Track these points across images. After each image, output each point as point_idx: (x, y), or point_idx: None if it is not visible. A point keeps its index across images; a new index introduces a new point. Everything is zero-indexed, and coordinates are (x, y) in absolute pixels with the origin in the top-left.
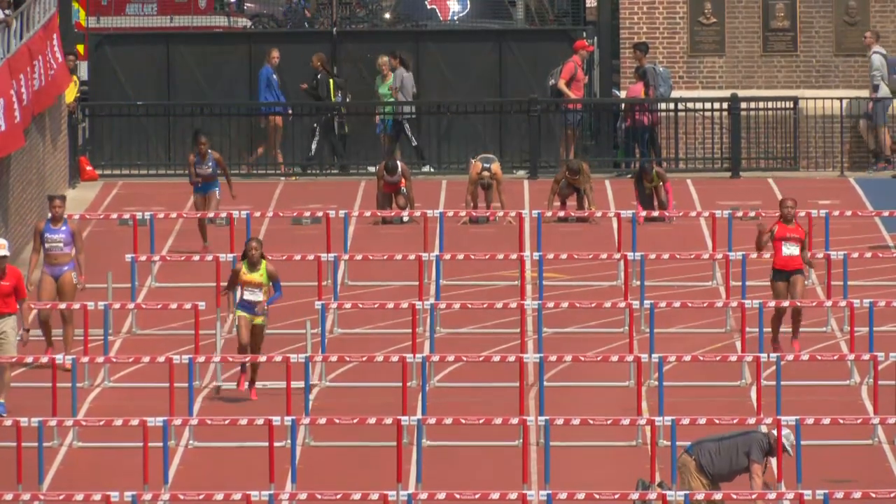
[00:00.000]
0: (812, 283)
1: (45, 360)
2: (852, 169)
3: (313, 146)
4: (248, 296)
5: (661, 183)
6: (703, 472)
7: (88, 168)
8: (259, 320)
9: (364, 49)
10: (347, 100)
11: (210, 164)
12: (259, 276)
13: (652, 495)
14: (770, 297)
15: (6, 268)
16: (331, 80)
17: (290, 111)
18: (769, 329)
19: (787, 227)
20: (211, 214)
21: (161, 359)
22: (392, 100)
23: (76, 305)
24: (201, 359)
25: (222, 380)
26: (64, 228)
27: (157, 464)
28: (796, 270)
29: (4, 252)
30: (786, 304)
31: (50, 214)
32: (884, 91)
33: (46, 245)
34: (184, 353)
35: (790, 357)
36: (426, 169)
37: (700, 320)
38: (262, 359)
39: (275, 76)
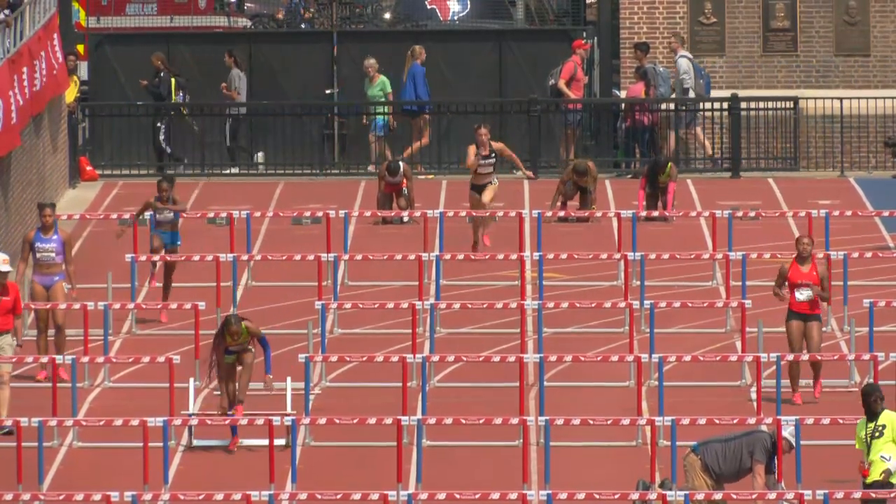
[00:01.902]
0: (830, 329)
1: (44, 360)
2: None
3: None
4: (234, 348)
5: (669, 180)
6: (708, 471)
7: (88, 168)
8: (246, 354)
9: (364, 49)
10: (187, 99)
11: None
12: (243, 339)
13: (652, 495)
14: (783, 337)
15: (6, 284)
16: (173, 79)
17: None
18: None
19: (801, 270)
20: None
21: (161, 359)
22: (383, 100)
23: (76, 305)
24: (201, 359)
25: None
26: (55, 237)
27: (157, 464)
28: (812, 316)
29: (7, 268)
30: (805, 357)
31: (40, 223)
32: (690, 94)
33: (37, 255)
34: (184, 354)
35: (790, 357)
36: (257, 168)
37: (700, 320)
38: (245, 421)
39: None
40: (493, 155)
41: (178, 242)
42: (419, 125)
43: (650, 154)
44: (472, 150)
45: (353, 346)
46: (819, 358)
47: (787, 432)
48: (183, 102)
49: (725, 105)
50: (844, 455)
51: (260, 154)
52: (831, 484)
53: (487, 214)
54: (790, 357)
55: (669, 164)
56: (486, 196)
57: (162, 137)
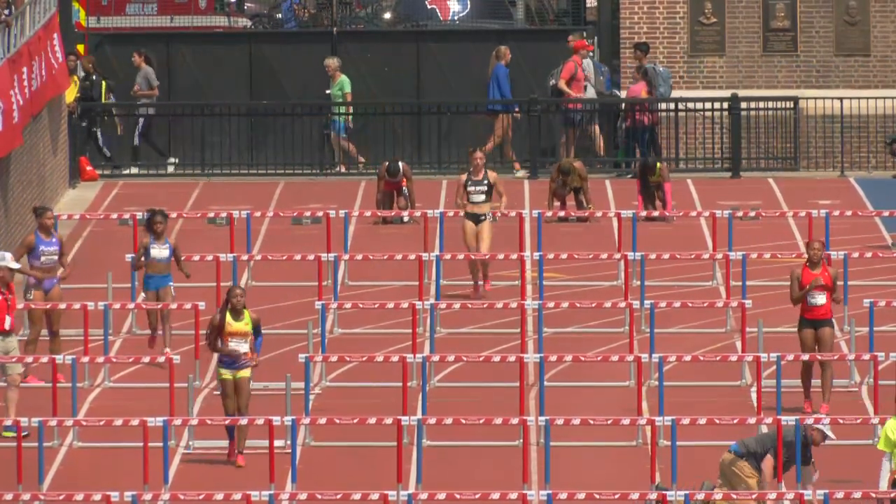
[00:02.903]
0: (838, 335)
1: (44, 360)
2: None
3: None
4: (233, 345)
5: (662, 180)
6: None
7: (88, 168)
8: (242, 373)
9: (364, 49)
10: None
11: (166, 246)
12: (244, 324)
13: (700, 495)
14: (795, 347)
15: (9, 283)
16: (103, 82)
17: (517, 108)
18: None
19: (812, 273)
20: (173, 304)
21: (161, 359)
22: (341, 100)
23: (76, 305)
24: (201, 359)
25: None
26: (55, 240)
27: (157, 464)
28: (824, 322)
29: (16, 265)
30: (805, 357)
31: (39, 226)
32: (591, 92)
33: (42, 258)
34: (184, 354)
35: (790, 357)
36: (119, 171)
37: (700, 320)
38: (244, 421)
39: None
40: (487, 182)
41: (171, 283)
42: (502, 123)
43: (650, 154)
44: (460, 180)
45: (353, 346)
46: (820, 358)
47: (819, 423)
48: (114, 104)
49: (725, 105)
50: (845, 455)
51: (173, 160)
52: (831, 484)
53: (486, 257)
54: (796, 357)
55: (658, 164)
56: (484, 242)
57: (101, 141)
